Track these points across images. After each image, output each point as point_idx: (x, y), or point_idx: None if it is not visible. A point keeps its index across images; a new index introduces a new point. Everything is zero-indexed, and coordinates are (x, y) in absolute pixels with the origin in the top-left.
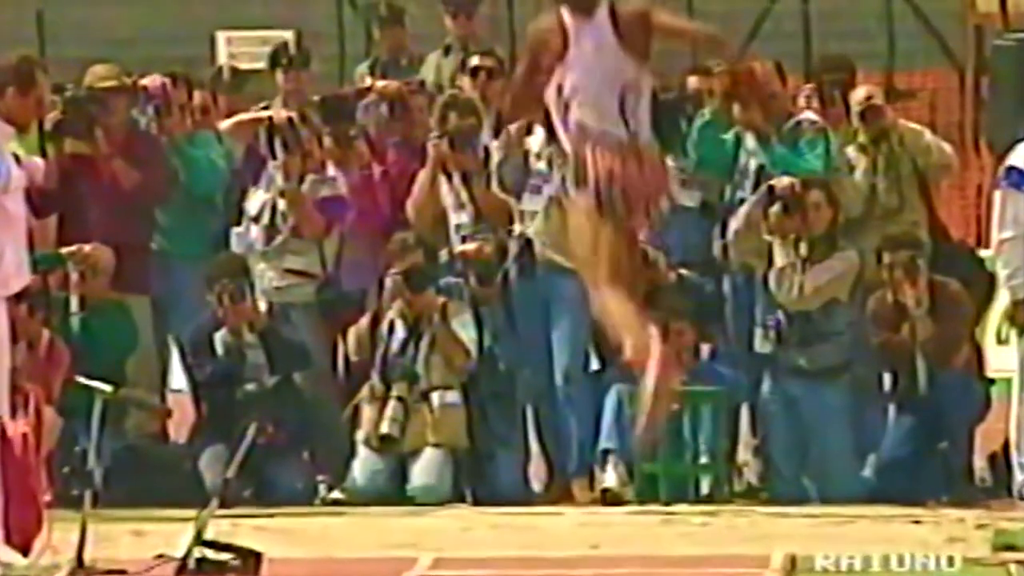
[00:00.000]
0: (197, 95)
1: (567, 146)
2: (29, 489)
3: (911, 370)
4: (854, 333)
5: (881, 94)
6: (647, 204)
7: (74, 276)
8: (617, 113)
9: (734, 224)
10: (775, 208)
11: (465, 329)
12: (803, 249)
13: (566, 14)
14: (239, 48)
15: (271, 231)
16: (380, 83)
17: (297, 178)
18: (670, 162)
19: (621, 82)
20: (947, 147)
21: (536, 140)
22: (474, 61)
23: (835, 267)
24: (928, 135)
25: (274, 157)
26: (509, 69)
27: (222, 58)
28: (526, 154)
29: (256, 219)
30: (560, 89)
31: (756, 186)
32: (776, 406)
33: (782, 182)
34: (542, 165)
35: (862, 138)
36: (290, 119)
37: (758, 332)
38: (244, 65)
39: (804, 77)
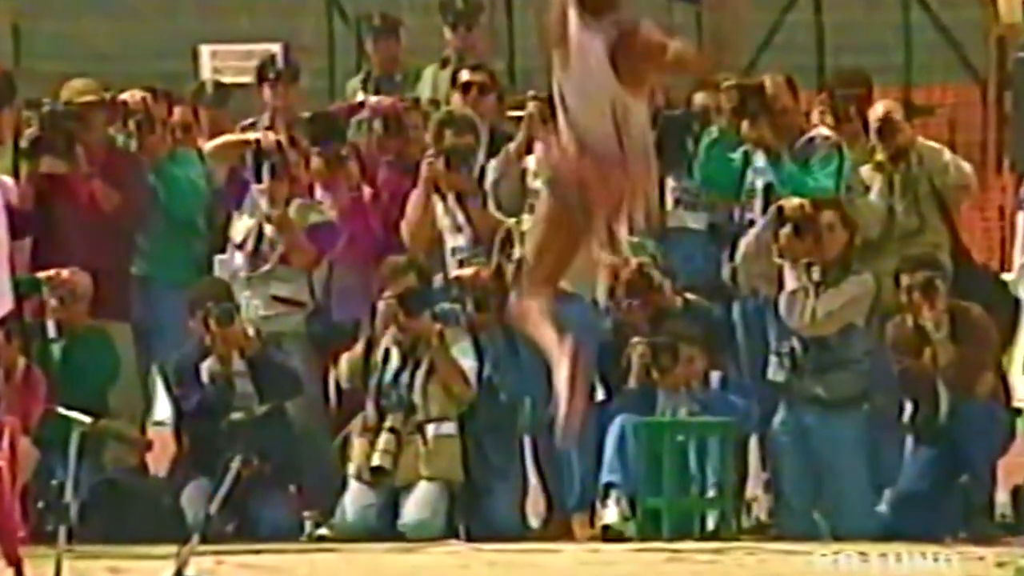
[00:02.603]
0: (178, 111)
1: (554, 144)
2: (7, 524)
3: (932, 399)
4: (872, 361)
5: (899, 110)
6: (612, 218)
7: (52, 302)
8: (611, 127)
9: (743, 247)
10: (785, 230)
11: (464, 357)
12: (816, 273)
13: (571, 10)
14: (224, 62)
15: (257, 258)
16: (373, 99)
17: (284, 203)
18: (671, 182)
19: (610, 99)
20: (966, 167)
21: (533, 158)
22: (464, 76)
23: (849, 291)
24: (947, 154)
25: (260, 181)
26: (508, 82)
27: (206, 72)
28: (523, 173)
29: (241, 246)
30: (559, 84)
31: (765, 206)
32: (789, 437)
33: (791, 203)
34: (540, 183)
35: (879, 156)
36: (278, 143)
37: (772, 360)
38: (228, 79)
39: (817, 92)
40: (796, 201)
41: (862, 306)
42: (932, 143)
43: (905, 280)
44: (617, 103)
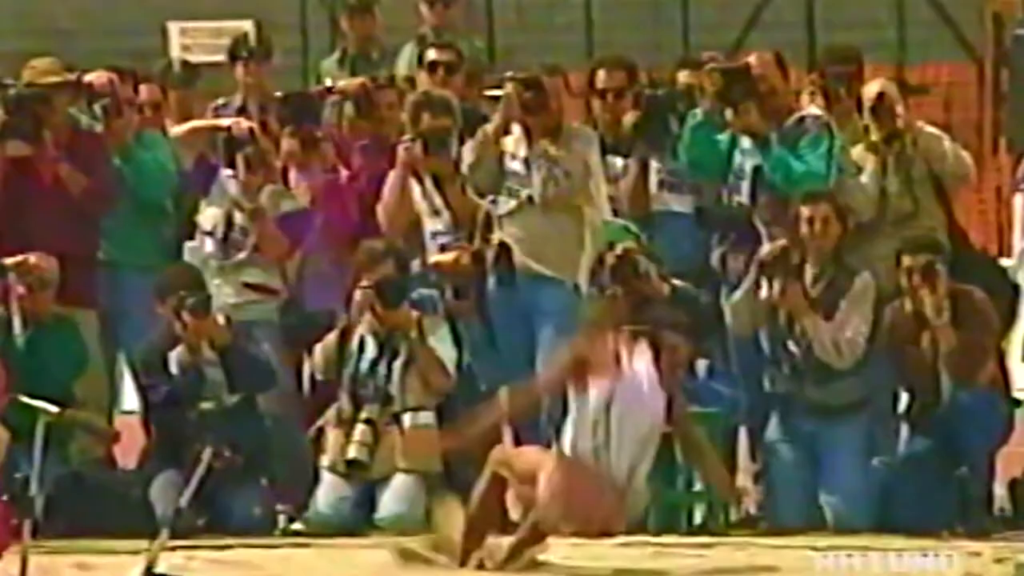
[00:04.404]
0: (145, 89)
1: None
2: None
3: (930, 387)
4: (873, 358)
5: (894, 88)
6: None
7: (19, 289)
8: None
9: (732, 310)
10: (766, 275)
11: (443, 346)
12: (809, 274)
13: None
14: (193, 39)
15: (227, 246)
16: (342, 82)
17: (256, 193)
18: (655, 164)
19: (651, 418)
20: (966, 156)
21: (511, 140)
22: (431, 55)
23: (858, 305)
24: (947, 142)
25: (231, 167)
26: (488, 62)
27: (174, 50)
28: (501, 155)
29: (210, 233)
30: (608, 406)
31: (753, 189)
32: (781, 432)
33: (763, 251)
34: (518, 165)
35: (873, 136)
36: (251, 130)
37: (768, 370)
38: (198, 58)
39: (807, 69)
40: (768, 248)
41: (870, 315)
42: (932, 129)
43: (906, 261)
44: (656, 421)
